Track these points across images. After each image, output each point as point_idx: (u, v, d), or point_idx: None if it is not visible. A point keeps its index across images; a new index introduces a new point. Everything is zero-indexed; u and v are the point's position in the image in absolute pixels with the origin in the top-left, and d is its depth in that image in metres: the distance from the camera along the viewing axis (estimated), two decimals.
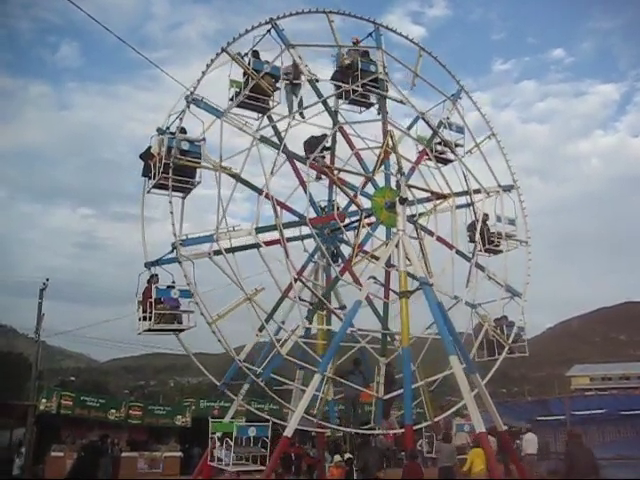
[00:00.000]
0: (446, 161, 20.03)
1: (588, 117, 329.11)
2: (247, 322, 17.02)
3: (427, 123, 19.99)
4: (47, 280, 31.34)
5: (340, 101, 19.33)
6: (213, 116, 16.54)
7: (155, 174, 15.43)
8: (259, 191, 17.35)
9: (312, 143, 18.55)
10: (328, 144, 19.43)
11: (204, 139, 16.19)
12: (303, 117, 18.57)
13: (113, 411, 29.73)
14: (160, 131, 15.93)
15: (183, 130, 16.06)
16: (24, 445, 26.38)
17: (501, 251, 20.20)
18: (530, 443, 21.65)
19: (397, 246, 17.43)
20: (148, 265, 15.90)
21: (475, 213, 20.10)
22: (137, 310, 15.50)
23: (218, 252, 16.19)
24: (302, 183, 18.74)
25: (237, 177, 17.07)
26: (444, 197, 19.33)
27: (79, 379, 69.63)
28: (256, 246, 17.07)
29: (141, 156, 16.23)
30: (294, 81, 18.33)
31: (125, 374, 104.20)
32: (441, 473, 17.98)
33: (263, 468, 15.10)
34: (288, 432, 15.27)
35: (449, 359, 16.01)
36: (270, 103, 17.29)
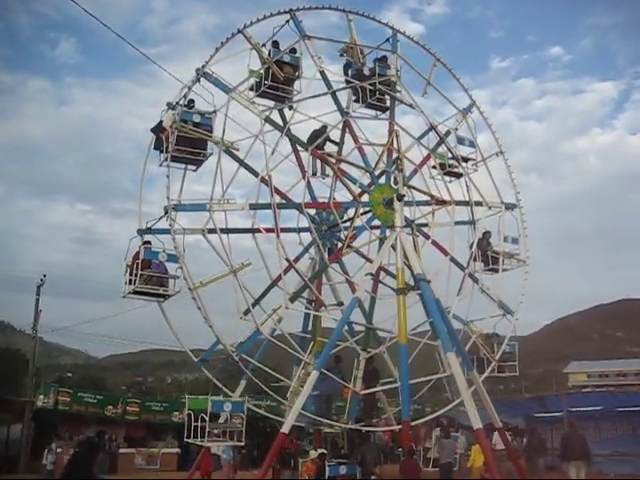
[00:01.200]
0: (454, 174, 19.93)
1: (586, 115, 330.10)
2: (234, 305, 16.86)
3: (438, 134, 19.87)
4: (44, 276, 31.38)
5: (355, 104, 19.39)
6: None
7: (167, 147, 15.62)
8: (256, 174, 17.31)
9: (315, 135, 18.62)
10: (334, 139, 19.58)
11: (215, 111, 16.34)
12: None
13: (110, 407, 29.81)
14: (170, 105, 16.04)
15: (192, 102, 16.32)
16: (54, 441, 26.60)
17: (504, 270, 19.96)
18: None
19: (394, 243, 17.46)
20: (140, 232, 15.85)
21: (474, 223, 19.94)
22: (124, 273, 15.48)
23: (212, 230, 16.23)
24: (303, 171, 18.86)
25: (240, 161, 17.16)
26: (443, 202, 19.23)
27: (76, 375, 69.58)
28: (251, 231, 17.40)
29: (153, 130, 16.36)
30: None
31: (122, 370, 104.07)
32: (442, 470, 18.07)
33: (240, 444, 15.37)
34: (285, 428, 15.28)
35: (447, 356, 16.02)
36: (290, 92, 17.57)
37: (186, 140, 15.72)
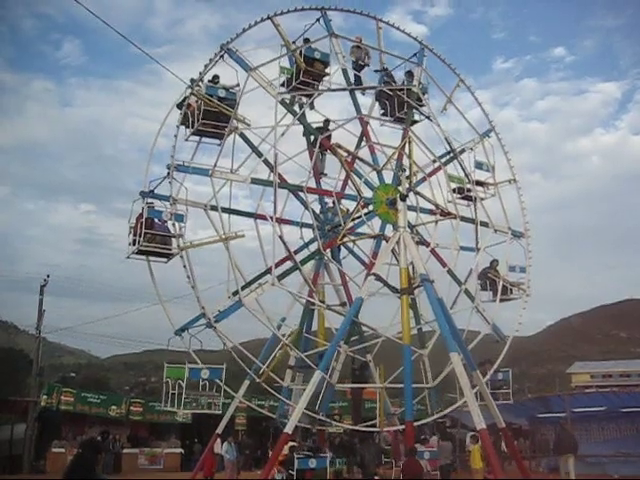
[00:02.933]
0: (467, 197, 20.00)
1: (589, 115, 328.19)
2: (225, 287, 16.71)
3: (453, 151, 19.97)
4: (48, 276, 31.42)
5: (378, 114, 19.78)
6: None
7: (193, 122, 15.88)
8: (260, 153, 17.53)
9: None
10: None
11: (238, 85, 16.64)
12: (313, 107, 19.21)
13: (114, 407, 29.81)
14: (193, 81, 16.22)
15: (217, 77, 16.67)
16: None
17: (509, 300, 19.91)
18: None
19: (397, 243, 17.46)
20: (143, 194, 15.86)
21: (478, 249, 19.87)
22: (128, 235, 15.62)
23: (214, 207, 16.32)
24: (310, 153, 18.93)
25: (250, 144, 17.47)
26: (448, 214, 19.17)
27: (80, 375, 69.58)
28: (252, 215, 17.68)
29: (178, 105, 16.62)
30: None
31: (126, 370, 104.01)
32: (441, 470, 18.05)
33: (218, 413, 15.57)
34: (289, 428, 15.28)
35: (450, 355, 15.99)
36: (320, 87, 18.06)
37: (211, 114, 15.97)
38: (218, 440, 20.22)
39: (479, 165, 20.06)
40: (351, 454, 20.39)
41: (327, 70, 17.87)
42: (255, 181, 17.04)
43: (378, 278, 18.25)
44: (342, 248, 19.96)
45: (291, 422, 15.34)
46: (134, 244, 15.29)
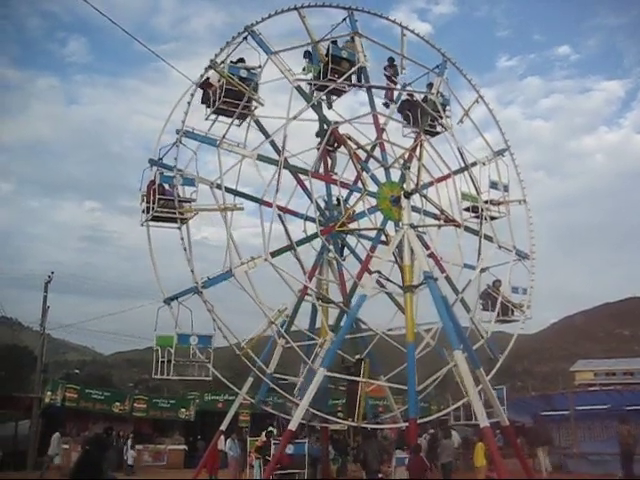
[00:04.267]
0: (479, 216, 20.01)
1: (593, 113, 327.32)
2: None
3: (468, 169, 19.99)
4: (52, 273, 31.58)
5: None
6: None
7: (215, 100, 16.21)
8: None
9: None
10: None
11: (260, 67, 16.87)
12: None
13: (118, 404, 29.92)
14: (214, 62, 16.44)
15: (242, 60, 16.92)
16: (129, 438, 27.70)
17: (509, 322, 19.92)
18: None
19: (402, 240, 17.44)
20: (152, 162, 16.06)
21: (480, 248, 19.81)
22: (140, 203, 15.84)
23: (220, 186, 16.40)
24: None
25: (261, 129, 17.74)
26: (452, 221, 19.13)
27: (83, 372, 69.79)
28: (258, 200, 17.43)
29: (200, 85, 16.81)
30: None
31: (129, 367, 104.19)
32: (443, 469, 18.07)
33: (208, 379, 15.56)
34: (292, 425, 15.29)
35: (454, 353, 15.97)
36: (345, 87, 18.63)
37: (233, 94, 16.20)
38: (222, 437, 20.25)
39: (494, 185, 20.22)
40: (344, 451, 20.47)
41: (352, 70, 18.34)
42: (261, 158, 17.16)
43: (382, 276, 18.28)
44: (344, 250, 19.98)
45: (295, 419, 15.35)
46: (147, 212, 15.52)
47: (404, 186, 18.22)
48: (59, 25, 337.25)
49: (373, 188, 18.51)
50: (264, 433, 18.62)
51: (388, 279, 18.99)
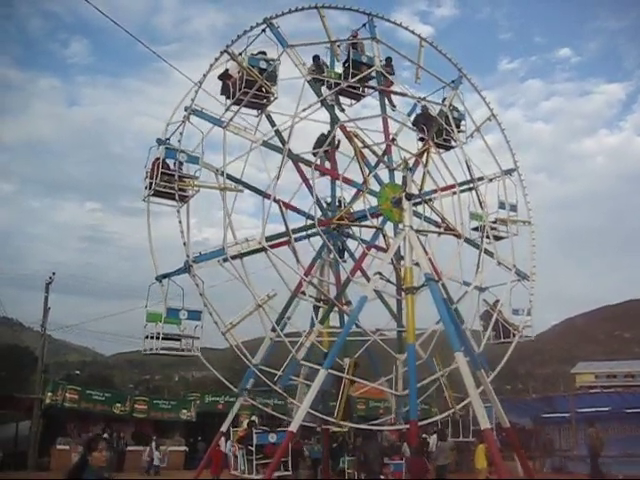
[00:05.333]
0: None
1: (594, 116, 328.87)
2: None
3: (478, 196, 20.20)
4: (53, 274, 31.56)
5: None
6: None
7: (234, 92, 16.57)
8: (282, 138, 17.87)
9: (321, 140, 19.00)
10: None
11: (279, 60, 17.26)
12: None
13: (118, 405, 29.85)
14: (232, 54, 16.75)
15: (263, 53, 17.28)
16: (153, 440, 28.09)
17: (509, 343, 19.83)
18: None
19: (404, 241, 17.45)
20: (159, 141, 16.35)
21: (480, 261, 19.81)
22: (144, 179, 16.11)
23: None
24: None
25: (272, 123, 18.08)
26: (452, 231, 19.13)
27: (84, 373, 69.83)
28: (261, 193, 17.70)
29: (220, 77, 17.27)
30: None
31: (130, 368, 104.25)
32: (438, 471, 18.01)
33: (196, 354, 15.64)
34: (293, 427, 15.27)
35: (455, 355, 15.95)
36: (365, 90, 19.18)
37: (252, 85, 16.47)
38: (222, 438, 20.22)
39: (502, 205, 20.39)
40: (340, 452, 20.39)
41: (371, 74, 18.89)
42: (266, 144, 17.45)
43: (382, 277, 18.26)
44: (344, 253, 19.92)
45: (296, 420, 15.34)
46: (150, 187, 15.74)
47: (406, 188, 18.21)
48: (61, 26, 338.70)
49: (376, 188, 18.58)
50: (246, 422, 18.49)
51: (389, 281, 19.03)
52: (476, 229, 19.96)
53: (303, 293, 18.67)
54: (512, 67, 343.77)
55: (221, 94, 17.31)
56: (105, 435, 24.77)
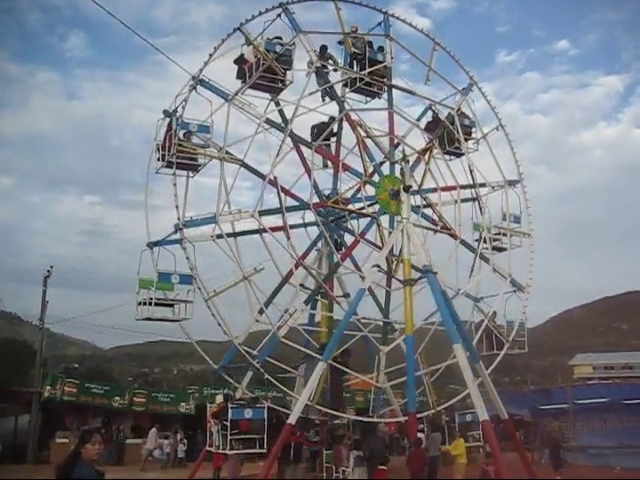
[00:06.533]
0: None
1: (592, 108, 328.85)
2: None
3: (479, 205, 20.28)
4: (51, 267, 31.41)
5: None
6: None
7: (250, 75, 16.76)
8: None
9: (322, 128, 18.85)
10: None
11: (295, 44, 17.45)
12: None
13: (117, 398, 29.85)
14: (248, 41, 16.89)
15: (280, 38, 17.40)
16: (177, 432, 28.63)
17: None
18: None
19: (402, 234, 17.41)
20: (166, 113, 16.58)
21: (474, 265, 19.81)
22: (155, 152, 16.23)
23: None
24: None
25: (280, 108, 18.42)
26: (448, 230, 19.17)
27: (83, 366, 69.89)
28: (262, 176, 17.63)
29: (236, 61, 17.48)
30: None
31: (129, 361, 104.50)
32: (430, 462, 17.94)
33: (189, 318, 15.65)
34: (292, 419, 15.27)
35: (453, 347, 15.93)
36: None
37: (268, 69, 16.66)
38: None
39: (504, 217, 20.49)
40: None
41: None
42: (269, 122, 17.63)
43: (380, 269, 18.23)
44: (341, 247, 19.93)
45: (294, 413, 15.35)
46: (162, 159, 15.85)
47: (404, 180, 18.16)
48: (59, 19, 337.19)
49: (375, 178, 18.59)
50: (221, 396, 18.28)
51: (388, 274, 19.01)
52: (478, 240, 19.92)
53: (302, 285, 18.68)
54: (510, 59, 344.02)
55: (237, 78, 17.51)
56: (100, 426, 24.90)
